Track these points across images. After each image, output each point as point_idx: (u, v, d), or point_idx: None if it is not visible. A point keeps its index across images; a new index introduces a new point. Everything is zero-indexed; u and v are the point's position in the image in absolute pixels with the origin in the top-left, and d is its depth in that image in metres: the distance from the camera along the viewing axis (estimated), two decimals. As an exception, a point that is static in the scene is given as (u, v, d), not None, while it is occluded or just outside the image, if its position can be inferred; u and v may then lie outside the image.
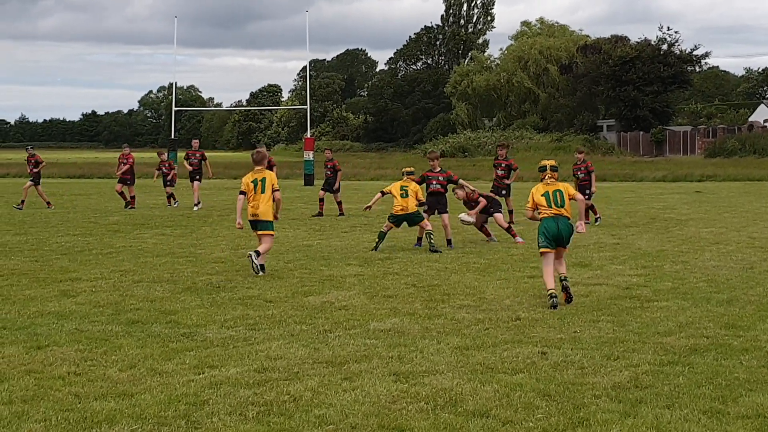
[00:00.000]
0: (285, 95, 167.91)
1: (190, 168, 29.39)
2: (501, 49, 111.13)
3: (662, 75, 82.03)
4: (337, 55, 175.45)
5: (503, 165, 23.75)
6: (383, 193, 18.58)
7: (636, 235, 20.23)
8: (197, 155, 29.58)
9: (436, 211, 18.79)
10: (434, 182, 18.80)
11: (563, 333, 9.96)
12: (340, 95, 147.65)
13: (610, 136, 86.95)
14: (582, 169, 23.98)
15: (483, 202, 19.02)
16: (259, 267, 14.22)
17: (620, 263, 15.55)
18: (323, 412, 7.13)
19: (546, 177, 12.27)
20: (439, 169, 19.09)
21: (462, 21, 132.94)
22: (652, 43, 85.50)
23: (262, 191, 14.43)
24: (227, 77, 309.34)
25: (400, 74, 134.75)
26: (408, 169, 18.99)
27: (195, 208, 28.18)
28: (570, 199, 12.13)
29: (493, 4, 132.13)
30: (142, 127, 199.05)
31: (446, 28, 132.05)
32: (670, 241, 18.93)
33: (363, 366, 8.52)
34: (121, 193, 29.39)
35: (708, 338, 9.63)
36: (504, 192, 23.30)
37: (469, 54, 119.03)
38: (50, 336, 9.87)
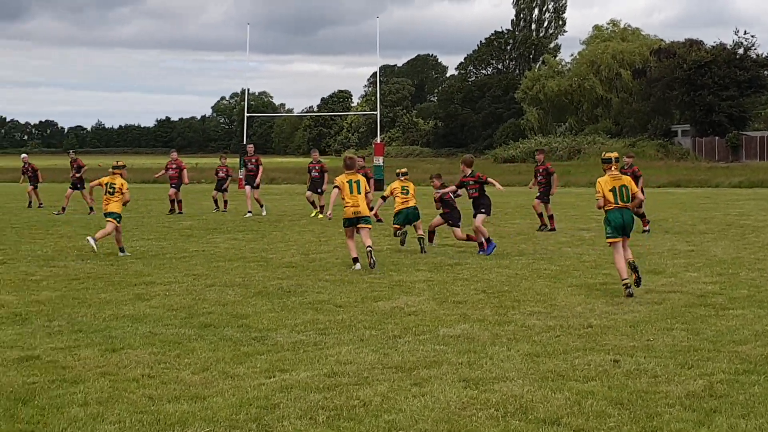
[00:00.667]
0: (355, 101, 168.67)
1: (247, 173, 29.23)
2: (572, 55, 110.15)
3: (738, 79, 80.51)
4: (408, 61, 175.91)
5: (541, 170, 23.57)
6: (384, 198, 19.24)
7: (711, 242, 19.88)
8: (253, 161, 29.39)
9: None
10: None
11: (636, 341, 9.83)
12: (409, 101, 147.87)
13: (684, 142, 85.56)
14: (629, 173, 23.51)
15: (440, 204, 19.03)
16: (375, 262, 15.56)
17: (695, 270, 15.30)
18: (393, 417, 7.13)
19: (612, 169, 13.25)
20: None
21: (533, 25, 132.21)
22: (728, 47, 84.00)
23: (358, 192, 15.92)
24: (298, 83, 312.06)
25: (470, 79, 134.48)
26: (402, 170, 19.58)
27: (248, 215, 27.81)
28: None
29: (565, 8, 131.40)
30: (215, 133, 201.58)
31: (517, 32, 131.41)
32: (746, 248, 18.57)
33: (432, 372, 8.51)
34: (173, 200, 29.59)
35: (785, 347, 9.42)
36: (545, 198, 23.16)
37: (541, 58, 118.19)
38: (125, 339, 10.03)
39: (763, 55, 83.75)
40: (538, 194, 23.37)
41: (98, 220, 26.46)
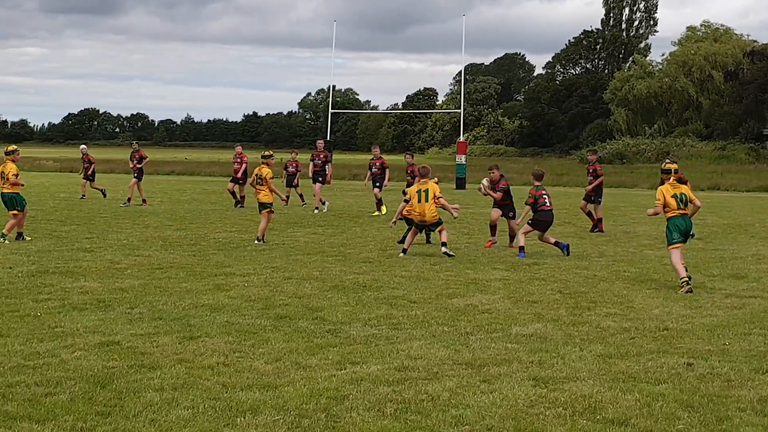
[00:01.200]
0: (440, 99, 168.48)
1: (315, 169, 29.23)
2: (663, 55, 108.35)
3: (834, 82, 78.31)
4: (495, 59, 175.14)
5: (590, 171, 23.59)
6: (407, 202, 17.62)
7: (798, 247, 19.43)
8: (321, 156, 29.42)
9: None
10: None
11: (712, 345, 9.70)
12: (495, 99, 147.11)
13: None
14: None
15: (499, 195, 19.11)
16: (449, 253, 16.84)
17: (778, 276, 14.99)
18: (460, 412, 7.18)
19: (671, 179, 13.77)
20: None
21: (623, 25, 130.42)
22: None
23: (426, 200, 16.98)
24: (385, 80, 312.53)
25: (557, 79, 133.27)
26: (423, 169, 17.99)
27: (315, 211, 27.87)
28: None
29: (656, 8, 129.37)
30: (300, 129, 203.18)
31: (606, 32, 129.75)
32: (834, 255, 18.11)
33: (502, 369, 8.53)
34: (232, 192, 29.81)
35: None
36: (592, 198, 23.03)
37: (631, 59, 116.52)
38: (202, 327, 10.26)
39: None
40: (585, 195, 23.38)
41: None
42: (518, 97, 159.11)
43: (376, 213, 27.68)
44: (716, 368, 8.62)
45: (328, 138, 57.10)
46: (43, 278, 13.64)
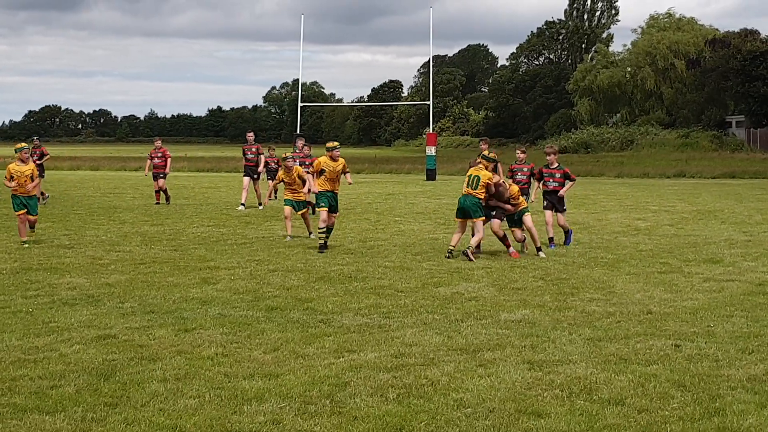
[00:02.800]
0: (405, 91, 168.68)
1: (246, 164, 27.27)
2: (624, 45, 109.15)
3: (794, 69, 79.34)
4: (459, 51, 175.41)
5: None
6: None
7: (768, 232, 19.84)
8: (253, 150, 27.47)
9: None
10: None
11: (696, 327, 9.97)
12: (460, 91, 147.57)
13: (739, 133, 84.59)
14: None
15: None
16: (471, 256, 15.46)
17: (753, 260, 15.34)
18: (461, 396, 7.37)
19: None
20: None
21: (585, 15, 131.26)
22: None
23: (475, 187, 15.85)
24: (350, 73, 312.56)
25: (521, 69, 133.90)
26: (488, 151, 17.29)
27: (260, 207, 26.44)
28: None
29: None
30: (266, 123, 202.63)
31: (569, 22, 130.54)
32: (804, 238, 18.51)
33: (497, 354, 8.74)
34: (163, 191, 28.20)
35: None
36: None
37: (593, 49, 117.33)
38: (196, 320, 10.38)
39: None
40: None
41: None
42: (483, 89, 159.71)
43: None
44: (703, 349, 8.88)
45: (298, 131, 57.06)
46: (29, 275, 13.67)
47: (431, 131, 51.53)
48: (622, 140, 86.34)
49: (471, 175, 16.05)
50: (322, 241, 16.66)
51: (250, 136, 28.28)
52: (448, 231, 20.12)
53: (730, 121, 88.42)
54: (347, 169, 17.53)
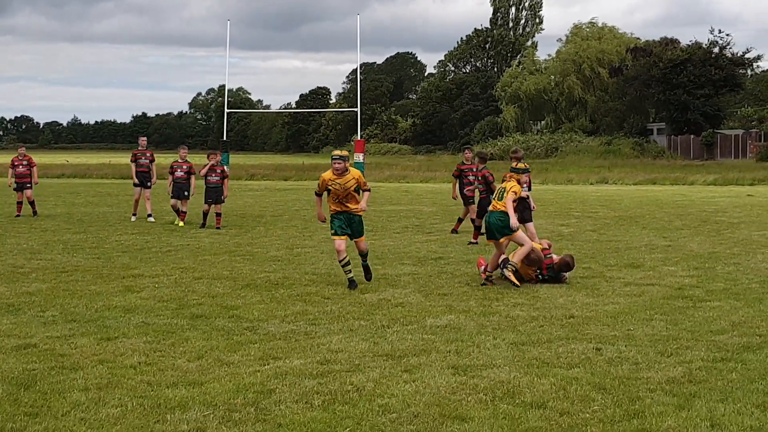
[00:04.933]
0: (333, 98, 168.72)
1: (138, 171, 24.64)
2: (549, 55, 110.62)
3: (713, 78, 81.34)
4: (387, 58, 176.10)
5: (478, 177, 19.74)
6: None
7: (687, 237, 20.27)
8: (147, 155, 25.02)
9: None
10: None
11: (617, 330, 10.15)
12: (388, 98, 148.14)
13: (660, 140, 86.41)
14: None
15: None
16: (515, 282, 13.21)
17: (672, 264, 15.66)
18: (386, 401, 7.40)
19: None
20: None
21: (510, 24, 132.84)
22: (704, 45, 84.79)
23: (500, 199, 13.91)
24: (280, 80, 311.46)
25: (449, 77, 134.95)
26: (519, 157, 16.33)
27: (150, 219, 24.25)
28: None
29: (541, 6, 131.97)
30: (192, 129, 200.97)
31: (494, 31, 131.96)
32: (721, 243, 18.96)
33: (422, 359, 8.79)
34: (31, 202, 25.66)
35: (761, 336, 9.77)
36: (471, 200, 20.62)
37: (518, 57, 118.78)
38: (119, 328, 10.25)
39: (738, 54, 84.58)
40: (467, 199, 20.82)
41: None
42: (410, 96, 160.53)
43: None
44: (623, 352, 9.05)
45: (224, 137, 56.73)
46: (-54, 284, 13.36)
47: (359, 138, 51.65)
48: (546, 147, 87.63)
49: (500, 188, 14.26)
50: (351, 275, 13.31)
51: (143, 140, 25.83)
52: (375, 237, 20.18)
53: (651, 129, 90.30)
54: (366, 186, 13.63)
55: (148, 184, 24.64)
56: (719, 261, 16.09)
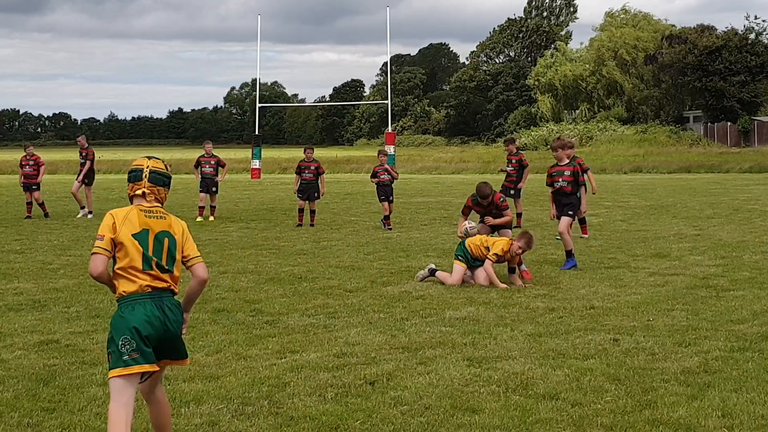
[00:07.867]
0: (367, 90, 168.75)
1: (84, 169, 24.79)
2: (581, 43, 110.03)
3: (749, 65, 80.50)
4: (420, 50, 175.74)
5: (513, 161, 21.47)
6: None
7: (717, 226, 20.11)
8: (83, 154, 25.20)
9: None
10: None
11: (636, 321, 10.12)
12: (421, 89, 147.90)
13: (696, 128, 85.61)
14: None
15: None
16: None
17: (699, 254, 15.55)
18: (399, 394, 7.44)
19: None
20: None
21: (545, 13, 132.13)
22: (740, 32, 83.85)
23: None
24: (315, 73, 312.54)
25: (482, 68, 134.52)
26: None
27: (90, 216, 24.55)
28: None
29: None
30: (227, 124, 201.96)
31: (528, 20, 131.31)
32: (752, 232, 18.80)
33: (438, 351, 8.82)
34: (40, 204, 24.94)
35: (782, 326, 9.70)
36: (511, 192, 20.93)
37: (552, 46, 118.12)
38: (141, 323, 10.35)
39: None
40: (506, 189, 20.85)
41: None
42: (444, 87, 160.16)
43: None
44: (641, 343, 9.02)
45: (256, 132, 57.00)
46: (-24, 281, 13.57)
47: (390, 130, 51.67)
48: (581, 136, 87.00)
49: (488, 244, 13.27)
50: None
51: (81, 139, 25.71)
52: (402, 230, 20.20)
53: (687, 116, 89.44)
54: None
55: (86, 180, 24.78)
56: (747, 250, 15.95)
